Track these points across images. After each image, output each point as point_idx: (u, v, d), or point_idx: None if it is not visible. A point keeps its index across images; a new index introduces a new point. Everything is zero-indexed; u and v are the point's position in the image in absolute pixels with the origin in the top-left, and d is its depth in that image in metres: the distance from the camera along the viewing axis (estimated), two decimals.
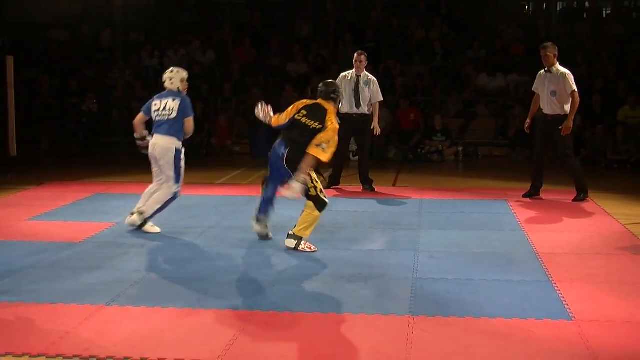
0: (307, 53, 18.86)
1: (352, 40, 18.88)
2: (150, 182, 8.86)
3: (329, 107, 7.87)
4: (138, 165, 14.76)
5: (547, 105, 10.52)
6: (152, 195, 8.67)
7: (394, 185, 12.52)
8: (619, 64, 17.19)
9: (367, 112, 11.37)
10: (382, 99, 11.65)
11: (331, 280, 6.78)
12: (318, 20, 20.17)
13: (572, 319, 5.77)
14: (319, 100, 7.98)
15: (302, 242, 7.78)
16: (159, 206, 8.61)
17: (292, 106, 8.00)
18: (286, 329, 5.59)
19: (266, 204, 8.18)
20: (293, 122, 7.84)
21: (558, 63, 10.57)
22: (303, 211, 7.81)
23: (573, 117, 10.40)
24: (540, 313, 5.87)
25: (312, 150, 7.56)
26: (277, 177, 7.92)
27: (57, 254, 7.71)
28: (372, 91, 11.34)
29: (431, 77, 17.95)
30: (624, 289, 6.56)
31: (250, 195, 10.96)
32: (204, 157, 16.30)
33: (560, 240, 8.32)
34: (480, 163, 15.63)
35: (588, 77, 16.82)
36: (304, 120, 7.78)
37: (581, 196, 10.65)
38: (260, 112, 8.09)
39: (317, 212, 7.76)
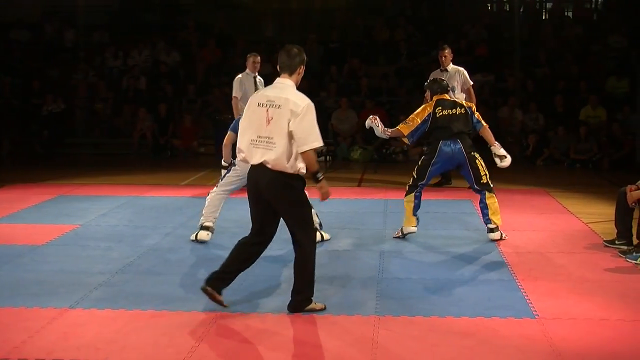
0: (272, 54, 18.81)
1: (316, 40, 18.89)
2: (113, 183, 8.79)
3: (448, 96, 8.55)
4: (101, 166, 14.71)
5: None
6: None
7: (359, 185, 12.55)
8: (581, 64, 17.39)
9: None
10: None
11: None
12: (283, 20, 20.15)
13: (536, 316, 5.83)
14: (441, 96, 8.50)
15: (499, 232, 8.30)
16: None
17: (420, 110, 8.57)
18: (252, 330, 5.58)
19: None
20: (438, 120, 8.30)
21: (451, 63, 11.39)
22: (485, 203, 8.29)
23: None
24: (505, 311, 5.93)
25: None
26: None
27: (19, 257, 7.61)
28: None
29: (396, 78, 18.01)
30: (585, 286, 6.64)
31: None
32: (168, 158, 16.21)
33: (524, 239, 8.40)
34: None
35: (551, 77, 17.00)
36: (446, 112, 8.30)
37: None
38: (374, 126, 8.73)
39: (495, 197, 8.36)
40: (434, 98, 8.50)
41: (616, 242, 7.91)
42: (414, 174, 8.49)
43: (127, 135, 17.14)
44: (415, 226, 8.37)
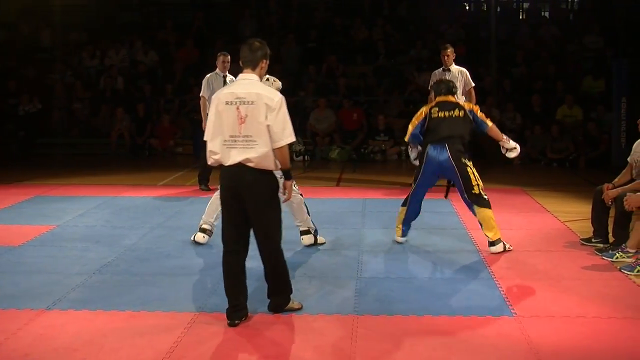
0: None
1: (295, 40, 18.88)
2: (91, 184, 8.74)
3: (453, 98, 8.16)
4: (79, 166, 14.61)
5: None
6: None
7: (337, 185, 12.56)
8: (557, 64, 17.50)
9: None
10: None
11: None
12: (261, 20, 20.12)
13: (514, 315, 5.87)
14: (445, 97, 8.10)
15: (501, 243, 7.79)
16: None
17: (419, 112, 8.14)
18: (230, 330, 5.57)
19: (414, 217, 8.20)
20: (431, 122, 7.89)
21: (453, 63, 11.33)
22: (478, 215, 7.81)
23: None
24: (483, 310, 5.96)
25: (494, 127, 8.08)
26: (431, 182, 8.16)
27: None
28: None
29: (374, 77, 18.03)
30: (562, 284, 6.69)
31: (193, 196, 10.92)
32: (145, 158, 16.15)
33: (502, 237, 8.42)
34: None
35: (528, 77, 17.10)
36: (441, 114, 7.88)
37: None
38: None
39: (488, 209, 7.79)
40: (437, 99, 8.15)
41: (593, 240, 7.97)
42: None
43: (105, 135, 17.05)
44: (401, 237, 8.14)
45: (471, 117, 7.96)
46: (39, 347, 5.24)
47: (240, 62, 5.77)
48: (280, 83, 8.08)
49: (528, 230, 8.86)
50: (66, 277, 6.86)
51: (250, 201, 5.58)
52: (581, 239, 8.15)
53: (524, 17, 21.01)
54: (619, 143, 13.82)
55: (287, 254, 7.54)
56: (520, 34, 18.82)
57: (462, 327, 5.63)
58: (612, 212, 7.85)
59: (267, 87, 5.74)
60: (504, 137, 8.17)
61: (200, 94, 11.04)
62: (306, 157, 15.81)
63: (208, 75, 11.09)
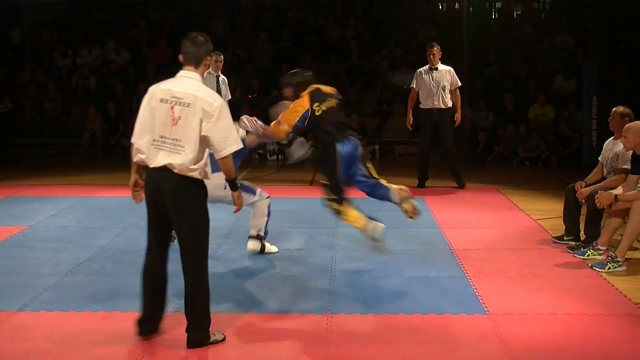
0: (223, 52, 18.71)
1: (268, 39, 18.86)
2: (63, 184, 8.67)
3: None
4: (51, 167, 14.50)
5: (437, 100, 11.36)
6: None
7: (311, 184, 12.54)
8: (530, 63, 17.61)
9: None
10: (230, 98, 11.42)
11: (250, 280, 6.78)
12: (234, 19, 20.08)
13: (487, 312, 5.90)
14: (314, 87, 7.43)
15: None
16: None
17: (295, 106, 7.32)
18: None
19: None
20: (318, 116, 7.30)
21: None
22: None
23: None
24: (456, 308, 5.98)
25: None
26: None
27: None
28: (227, 91, 11.27)
29: (347, 76, 18.05)
30: (535, 282, 6.74)
31: None
32: (118, 158, 16.04)
33: (475, 236, 8.48)
34: (397, 161, 15.79)
35: (500, 76, 17.19)
36: (324, 107, 7.32)
37: (462, 183, 11.61)
38: (250, 127, 7.46)
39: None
40: (304, 93, 7.30)
41: (565, 238, 8.03)
42: (331, 189, 7.31)
43: (77, 135, 16.92)
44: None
45: None
46: (10, 349, 5.20)
47: (181, 58, 5.34)
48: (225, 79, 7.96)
49: (501, 228, 8.91)
50: (38, 278, 6.80)
51: (171, 209, 5.13)
52: (553, 237, 8.21)
53: (496, 16, 21.11)
54: (590, 142, 13.93)
55: (262, 253, 7.57)
56: (492, 33, 18.92)
57: (436, 325, 5.66)
58: (583, 210, 7.92)
59: (207, 89, 5.24)
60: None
61: None
62: (280, 156, 15.79)
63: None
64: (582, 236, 7.89)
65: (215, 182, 6.00)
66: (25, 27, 19.95)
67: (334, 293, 6.40)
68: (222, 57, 11.13)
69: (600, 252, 7.36)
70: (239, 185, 5.40)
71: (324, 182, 7.33)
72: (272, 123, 7.27)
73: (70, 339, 5.36)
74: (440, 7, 22.15)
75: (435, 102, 11.34)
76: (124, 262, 7.41)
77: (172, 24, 19.78)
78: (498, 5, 21.44)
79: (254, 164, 14.82)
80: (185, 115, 5.02)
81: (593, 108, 14.13)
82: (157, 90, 5.20)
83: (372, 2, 20.22)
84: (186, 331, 5.29)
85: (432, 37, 18.41)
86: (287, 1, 20.24)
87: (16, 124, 17.37)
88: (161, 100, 5.11)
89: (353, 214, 7.17)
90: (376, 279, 6.83)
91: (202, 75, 5.30)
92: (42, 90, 17.99)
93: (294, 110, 7.21)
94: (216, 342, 5.32)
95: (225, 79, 11.24)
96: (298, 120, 7.24)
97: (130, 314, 5.82)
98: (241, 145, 5.25)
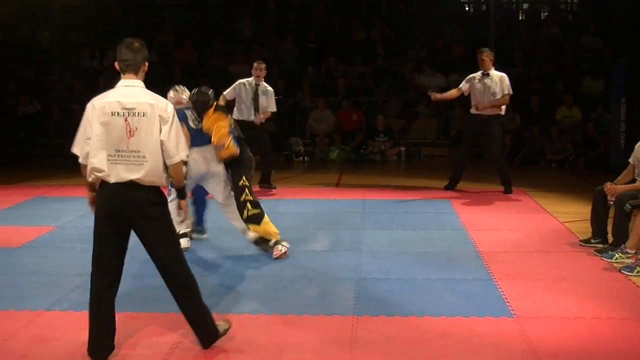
0: (249, 54, 18.81)
1: (293, 41, 18.89)
2: None
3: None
4: (78, 167, 14.58)
5: (486, 108, 11.04)
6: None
7: (336, 185, 12.55)
8: (556, 65, 17.50)
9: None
10: (275, 110, 11.61)
11: (275, 281, 6.78)
12: (260, 21, 20.13)
13: (513, 315, 5.87)
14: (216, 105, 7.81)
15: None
16: None
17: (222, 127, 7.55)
18: (231, 330, 5.56)
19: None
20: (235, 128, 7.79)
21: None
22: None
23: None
24: (482, 311, 5.95)
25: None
26: None
27: None
28: (269, 102, 11.28)
29: (373, 78, 18.04)
30: (562, 285, 6.69)
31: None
32: None
33: (501, 238, 8.44)
34: (423, 163, 15.76)
35: (526, 77, 17.09)
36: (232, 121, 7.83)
37: (509, 189, 11.30)
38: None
39: None
40: (213, 110, 7.61)
41: (592, 240, 7.97)
42: (249, 189, 7.63)
43: None
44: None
45: None
46: (38, 349, 5.24)
47: (119, 66, 5.07)
48: (189, 93, 7.87)
49: (527, 231, 8.85)
50: (65, 278, 6.85)
51: (141, 223, 4.96)
52: (580, 240, 8.15)
53: (523, 17, 21.01)
54: (618, 144, 13.82)
55: (288, 254, 7.58)
56: (519, 34, 18.82)
57: (462, 327, 5.63)
58: (611, 213, 7.85)
59: (156, 95, 5.03)
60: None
61: (224, 93, 11.00)
62: (305, 158, 15.82)
63: (241, 81, 11.15)
64: (610, 239, 7.83)
65: (205, 155, 7.01)
66: (53, 29, 20.11)
67: (360, 295, 6.38)
68: (263, 65, 11.07)
69: (629, 255, 7.30)
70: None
71: (242, 183, 7.60)
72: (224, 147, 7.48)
73: None
74: (466, 8, 22.09)
75: (484, 109, 11.06)
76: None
77: (197, 25, 19.87)
78: (525, 6, 21.36)
79: (280, 165, 14.87)
80: (142, 125, 4.83)
81: (621, 110, 14.02)
82: (104, 104, 4.91)
83: (398, 3, 20.18)
84: (195, 330, 5.20)
85: (458, 39, 18.42)
86: (312, 2, 20.27)
87: (44, 125, 17.52)
88: (112, 114, 4.84)
89: (268, 221, 7.62)
90: (402, 281, 6.81)
91: (143, 81, 5.08)
92: (69, 92, 18.13)
93: (223, 130, 7.50)
94: (226, 331, 5.30)
95: (270, 89, 11.22)
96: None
97: (156, 315, 5.86)
98: (187, 152, 5.15)
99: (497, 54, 11.15)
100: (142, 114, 4.83)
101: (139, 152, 4.82)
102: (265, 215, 7.63)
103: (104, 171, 4.87)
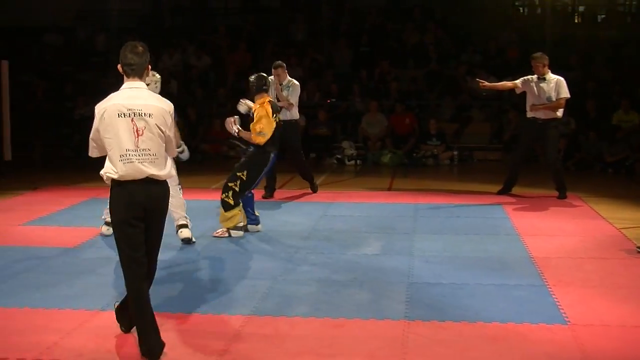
0: (302, 57, 18.89)
1: (346, 44, 18.91)
2: None
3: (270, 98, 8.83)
4: None
5: (542, 111, 10.85)
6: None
7: (389, 189, 12.53)
8: (614, 68, 17.23)
9: (293, 118, 11.29)
10: (292, 103, 11.29)
11: (326, 284, 6.79)
12: (313, 24, 20.19)
13: (567, 323, 5.78)
14: (268, 97, 8.81)
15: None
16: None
17: (264, 112, 8.55)
18: (282, 333, 5.59)
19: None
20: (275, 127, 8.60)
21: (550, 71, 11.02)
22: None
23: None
24: (535, 317, 5.88)
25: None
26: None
27: (52, 259, 7.70)
28: (290, 94, 11.20)
29: (426, 81, 17.97)
30: (618, 292, 6.57)
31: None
32: (197, 162, 16.28)
33: (555, 244, 8.33)
34: (476, 167, 15.65)
35: (582, 81, 16.86)
36: (277, 119, 8.68)
37: (564, 194, 11.14)
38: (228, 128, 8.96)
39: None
40: (263, 99, 8.64)
41: None
42: (241, 183, 8.55)
43: None
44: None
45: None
46: (93, 347, 5.32)
47: (124, 70, 5.16)
48: (159, 76, 8.35)
49: (582, 236, 8.73)
50: (119, 279, 6.87)
51: (157, 215, 5.27)
52: (637, 247, 8.01)
53: (580, 20, 20.73)
54: None
55: (339, 258, 7.60)
56: (575, 38, 18.58)
57: (515, 334, 5.57)
58: None
59: (159, 96, 5.31)
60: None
61: (290, 101, 11.15)
62: (358, 161, 15.82)
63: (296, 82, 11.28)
64: None
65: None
66: (110, 33, 20.42)
67: (411, 299, 6.36)
68: (279, 69, 11.13)
69: None
70: None
71: (239, 173, 8.60)
72: (253, 134, 8.54)
73: None
74: (520, 10, 21.87)
75: (539, 112, 10.93)
76: (203, 265, 7.52)
77: (251, 29, 20.00)
78: (581, 8, 21.07)
79: (332, 168, 14.89)
80: (149, 125, 5.05)
81: None
82: (110, 106, 5.07)
83: (452, 6, 20.09)
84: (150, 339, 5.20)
85: (512, 42, 18.24)
86: (366, 6, 20.27)
87: None
88: (119, 115, 5.02)
89: (237, 215, 8.59)
90: (454, 285, 6.77)
91: (146, 83, 5.24)
92: None
93: (268, 120, 8.48)
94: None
95: (294, 83, 11.25)
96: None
97: (208, 316, 5.91)
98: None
99: (552, 57, 10.99)
100: (148, 115, 5.06)
101: (149, 150, 5.08)
102: (236, 209, 8.55)
103: (116, 171, 5.13)
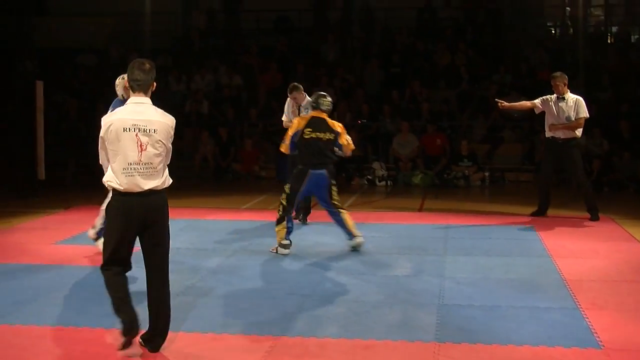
0: (333, 78, 18.93)
1: (378, 65, 18.93)
2: (174, 206, 8.86)
3: (324, 116, 8.89)
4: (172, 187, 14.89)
5: (561, 131, 10.89)
6: None
7: (419, 210, 12.48)
8: None
9: None
10: None
11: (356, 305, 6.76)
12: (344, 44, 20.25)
13: (601, 347, 5.70)
14: (314, 113, 8.91)
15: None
16: None
17: (292, 126, 8.88)
18: (312, 355, 5.57)
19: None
20: (304, 142, 8.70)
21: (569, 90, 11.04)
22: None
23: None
24: (568, 341, 5.80)
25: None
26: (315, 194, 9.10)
27: (84, 277, 7.73)
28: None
29: (457, 102, 17.93)
30: None
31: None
32: (229, 182, 16.36)
33: (588, 266, 8.24)
34: (507, 188, 15.56)
35: (616, 101, 16.73)
36: (314, 135, 8.69)
37: (596, 216, 11.03)
38: None
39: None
40: (311, 113, 8.95)
41: None
42: (286, 196, 8.77)
43: (189, 158, 17.36)
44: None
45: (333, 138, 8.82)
46: None
47: (131, 85, 5.46)
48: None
49: (615, 259, 8.62)
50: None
51: (153, 225, 5.50)
52: None
53: (612, 40, 20.61)
54: None
55: (369, 279, 7.57)
56: (608, 58, 18.46)
57: (547, 357, 5.50)
58: None
59: (163, 112, 5.54)
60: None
61: (283, 118, 10.99)
62: (389, 182, 15.79)
63: (289, 101, 10.92)
64: None
65: None
66: (142, 53, 20.61)
67: (442, 321, 6.31)
68: (295, 92, 10.65)
69: None
70: None
71: (286, 188, 8.83)
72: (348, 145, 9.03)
73: (181, 358, 5.45)
74: (552, 31, 21.79)
75: (558, 132, 10.92)
76: (233, 285, 7.51)
77: (283, 49, 20.09)
78: (614, 29, 20.94)
79: (363, 189, 14.89)
80: (152, 141, 5.31)
81: None
82: (115, 120, 5.33)
83: (483, 27, 20.06)
84: (154, 336, 5.61)
85: (544, 63, 18.16)
86: (397, 27, 20.31)
87: None
88: (124, 130, 5.27)
89: (283, 226, 8.72)
90: (485, 307, 6.71)
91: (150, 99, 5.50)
92: None
93: (290, 128, 8.90)
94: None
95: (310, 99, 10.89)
96: (292, 136, 8.82)
97: (238, 337, 5.90)
98: None
99: (585, 78, 10.95)
100: (153, 130, 5.33)
101: (151, 164, 5.34)
102: (282, 224, 8.70)
103: (118, 182, 5.35)
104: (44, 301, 6.90)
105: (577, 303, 6.82)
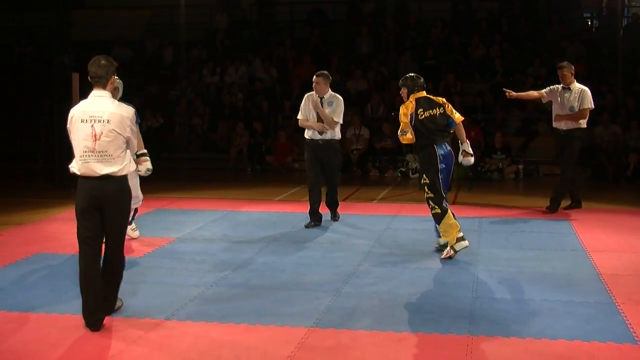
0: (367, 70, 18.90)
1: (412, 57, 18.86)
2: (209, 198, 8.90)
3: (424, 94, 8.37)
4: (199, 180, 14.99)
5: (564, 121, 10.85)
6: None
7: (453, 203, 12.41)
8: None
9: (333, 137, 10.16)
10: (339, 121, 10.12)
11: (390, 298, 6.75)
12: (378, 37, 20.20)
13: (637, 343, 5.63)
14: (418, 94, 8.32)
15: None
16: None
17: (403, 115, 8.18)
18: (344, 347, 5.57)
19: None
20: (421, 120, 8.13)
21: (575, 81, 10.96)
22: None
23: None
24: (604, 336, 5.75)
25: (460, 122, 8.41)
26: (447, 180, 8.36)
27: None
28: (333, 111, 10.03)
29: (491, 95, 17.80)
30: None
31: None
32: (264, 173, 16.43)
33: (624, 260, 8.15)
34: (541, 182, 15.42)
35: None
36: (427, 114, 8.16)
37: (555, 208, 11.01)
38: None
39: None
40: (412, 97, 8.27)
41: None
42: (428, 188, 8.12)
43: (223, 151, 17.43)
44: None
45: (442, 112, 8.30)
46: (157, 356, 5.38)
47: (90, 80, 5.96)
48: (120, 81, 8.37)
49: None
50: (184, 289, 7.01)
51: (113, 209, 5.89)
52: None
53: None
54: None
55: (402, 272, 7.56)
56: None
57: (582, 352, 5.45)
58: None
59: (120, 103, 6.00)
60: (467, 140, 8.58)
61: (298, 116, 10.42)
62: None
63: (308, 94, 10.35)
64: None
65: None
66: (177, 46, 20.73)
67: (476, 314, 6.28)
68: (320, 78, 10.06)
69: None
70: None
71: (423, 181, 8.18)
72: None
73: (214, 350, 5.49)
74: (589, 23, 21.54)
75: (562, 123, 10.86)
76: (266, 276, 7.54)
77: (317, 42, 20.09)
78: None
79: (396, 181, 14.86)
80: (106, 130, 5.76)
81: None
82: (75, 112, 5.88)
83: (518, 19, 19.89)
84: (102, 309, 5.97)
85: (581, 55, 17.96)
86: (431, 19, 20.21)
87: (166, 138, 18.05)
88: (82, 121, 5.79)
89: (452, 222, 8.07)
90: (519, 301, 6.67)
91: (110, 92, 5.95)
92: (191, 107, 18.63)
93: (403, 120, 8.17)
94: (119, 308, 6.28)
95: (337, 99, 10.15)
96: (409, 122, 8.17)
97: (271, 328, 5.92)
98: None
99: (622, 70, 10.83)
100: (106, 121, 5.78)
101: (106, 152, 5.78)
102: (446, 216, 8.07)
103: (77, 168, 5.86)
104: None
105: (612, 298, 6.75)
